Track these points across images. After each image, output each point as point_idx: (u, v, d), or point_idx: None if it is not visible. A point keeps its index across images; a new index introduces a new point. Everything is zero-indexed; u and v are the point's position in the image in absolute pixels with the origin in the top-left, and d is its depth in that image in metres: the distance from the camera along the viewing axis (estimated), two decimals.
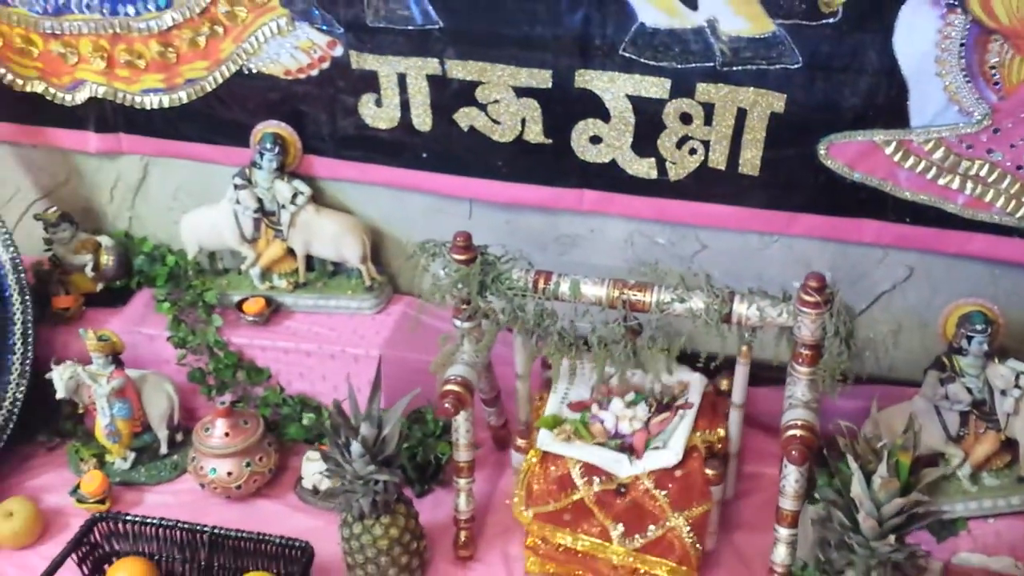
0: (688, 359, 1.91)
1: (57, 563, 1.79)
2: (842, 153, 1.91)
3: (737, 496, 2.00)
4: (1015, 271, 1.96)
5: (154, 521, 1.87)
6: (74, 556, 1.83)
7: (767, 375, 1.88)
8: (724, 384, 1.92)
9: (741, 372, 1.79)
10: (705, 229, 2.10)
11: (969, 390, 1.87)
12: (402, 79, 2.07)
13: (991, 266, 1.97)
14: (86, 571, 1.85)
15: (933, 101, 1.82)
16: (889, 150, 1.88)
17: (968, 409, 1.88)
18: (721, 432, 1.86)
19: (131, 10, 2.15)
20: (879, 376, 2.06)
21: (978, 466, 1.92)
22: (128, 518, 1.89)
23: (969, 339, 1.85)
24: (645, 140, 2.01)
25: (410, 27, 2.00)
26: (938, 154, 1.85)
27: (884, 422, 1.91)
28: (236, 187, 2.21)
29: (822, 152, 1.92)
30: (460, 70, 2.02)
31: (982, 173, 1.85)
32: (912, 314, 2.06)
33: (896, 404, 1.96)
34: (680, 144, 1.99)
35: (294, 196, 2.20)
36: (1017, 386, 1.83)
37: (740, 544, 1.93)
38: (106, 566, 1.86)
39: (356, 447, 1.73)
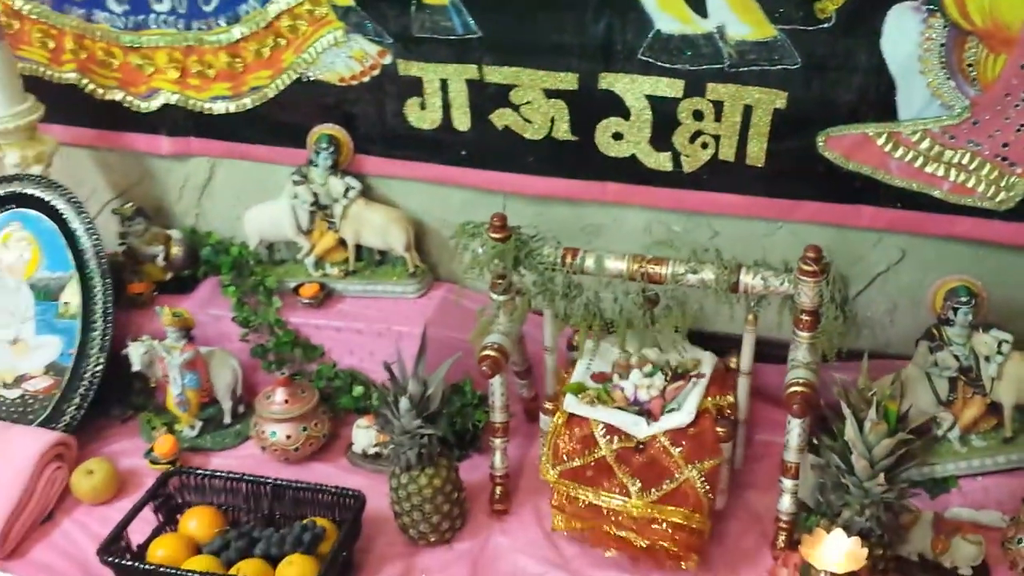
0: (701, 340, 2.14)
1: (136, 509, 2.00)
2: (838, 145, 2.10)
3: (748, 461, 2.19)
4: (997, 251, 2.13)
5: (222, 474, 2.09)
6: (150, 505, 2.03)
7: (776, 353, 2.05)
8: (732, 362, 2.09)
9: (748, 340, 1.99)
10: (717, 217, 2.28)
11: (956, 357, 2.04)
12: (444, 84, 2.29)
13: (975, 247, 2.14)
14: (160, 519, 2.05)
15: (918, 96, 2.00)
16: (880, 141, 2.07)
17: (956, 375, 2.05)
18: (730, 399, 2.04)
19: (203, 25, 2.39)
20: (877, 351, 2.25)
21: (967, 428, 2.08)
22: (198, 472, 2.11)
23: (955, 310, 2.03)
24: (661, 136, 2.20)
25: (452, 37, 2.22)
26: (924, 144, 2.05)
27: (877, 386, 2.09)
28: (294, 183, 2.44)
29: (820, 144, 2.11)
30: (496, 75, 2.24)
31: (964, 161, 2.04)
32: (906, 293, 2.24)
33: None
34: (693, 139, 2.19)
35: (346, 191, 2.44)
36: (999, 352, 2.01)
37: (751, 501, 2.11)
38: (178, 516, 2.07)
39: (404, 403, 1.95)
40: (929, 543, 1.91)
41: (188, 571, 1.84)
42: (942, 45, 1.94)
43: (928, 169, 2.08)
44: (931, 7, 1.91)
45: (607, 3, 2.08)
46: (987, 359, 2.02)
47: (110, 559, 1.87)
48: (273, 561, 1.90)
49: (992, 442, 2.09)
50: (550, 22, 2.14)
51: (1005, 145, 2.00)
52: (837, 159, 2.12)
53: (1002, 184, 2.04)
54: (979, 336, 2.03)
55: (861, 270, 2.26)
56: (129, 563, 1.88)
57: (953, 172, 2.06)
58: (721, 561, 1.98)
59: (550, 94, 2.23)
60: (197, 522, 2.03)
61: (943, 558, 1.90)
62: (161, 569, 1.86)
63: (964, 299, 2.02)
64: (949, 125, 2.02)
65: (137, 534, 1.99)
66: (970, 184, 2.06)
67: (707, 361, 2.10)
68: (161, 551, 1.94)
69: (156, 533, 2.02)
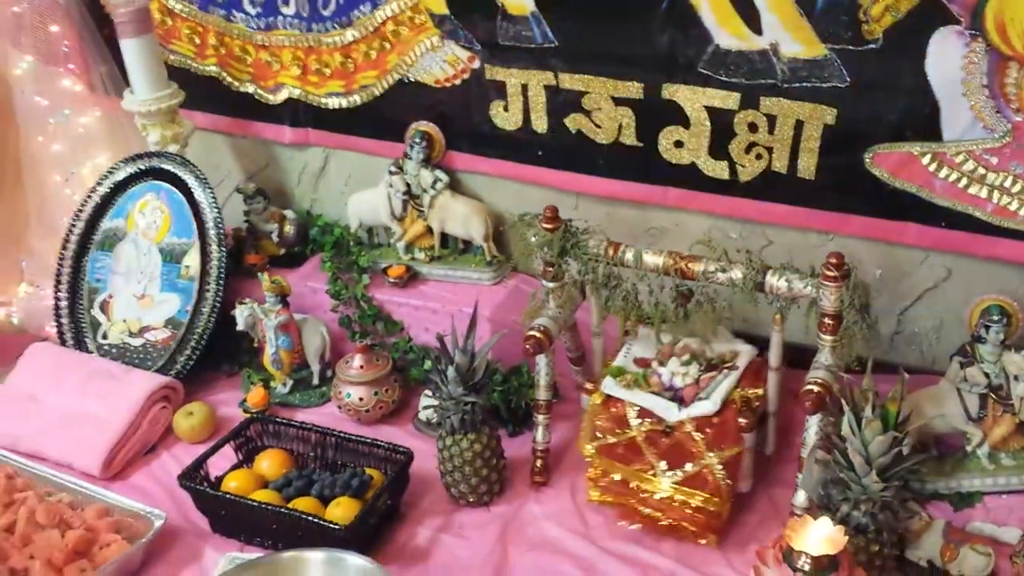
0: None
1: (217, 446, 2.27)
2: (885, 162, 2.18)
3: (780, 460, 2.28)
4: None
5: (295, 424, 2.34)
6: (232, 444, 2.30)
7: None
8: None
9: (776, 339, 2.09)
10: (771, 226, 2.39)
11: (986, 375, 2.07)
12: (524, 88, 2.49)
13: (1020, 270, 2.18)
14: (239, 458, 2.31)
15: (962, 118, 2.06)
16: (925, 160, 2.14)
17: (986, 392, 2.08)
18: (760, 391, 2.15)
19: (322, 28, 2.69)
20: (923, 368, 2.32)
21: (996, 446, 2.10)
22: (276, 420, 2.37)
23: (987, 328, 2.06)
24: (719, 145, 2.33)
25: (532, 45, 2.41)
26: (968, 165, 2.10)
27: (911, 399, 2.16)
28: (390, 173, 2.69)
29: (868, 160, 2.19)
30: (570, 82, 2.42)
31: (1006, 184, 2.08)
32: (952, 312, 2.28)
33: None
34: (748, 149, 2.31)
35: (434, 182, 2.67)
36: None
37: (775, 496, 2.18)
38: (255, 457, 2.35)
39: (451, 372, 2.15)
40: (939, 551, 1.96)
41: (250, 499, 2.11)
42: (984, 69, 2.00)
43: (971, 190, 2.13)
44: (973, 32, 1.98)
45: (671, 19, 2.23)
46: (1016, 378, 2.06)
47: (187, 484, 2.16)
48: (325, 501, 2.14)
49: (1021, 461, 2.10)
50: (619, 34, 2.31)
51: None
52: (884, 176, 2.19)
53: None
54: (1010, 355, 2.06)
55: (908, 287, 2.32)
56: (202, 488, 2.16)
57: (996, 194, 2.11)
58: (735, 543, 2.08)
59: (618, 101, 2.39)
60: (269, 462, 2.28)
61: (951, 566, 1.94)
62: (227, 496, 2.13)
63: (996, 318, 2.05)
64: (991, 148, 2.07)
65: (218, 468, 2.26)
66: (1012, 207, 2.10)
67: (745, 354, 2.21)
68: (233, 483, 2.20)
69: (233, 469, 2.29)
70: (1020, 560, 1.91)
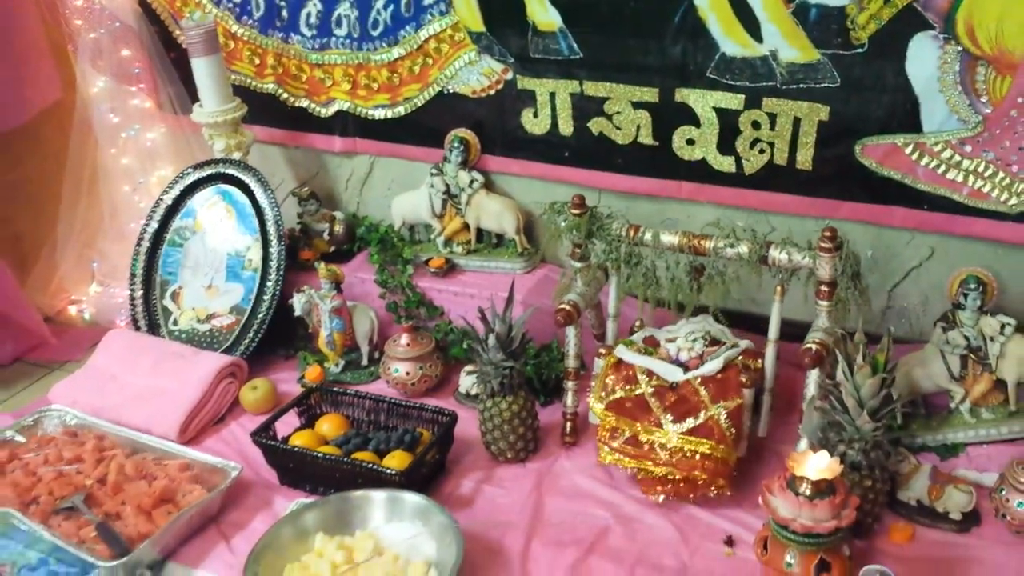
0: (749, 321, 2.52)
1: (284, 410, 2.55)
2: (873, 153, 2.45)
3: (784, 426, 2.48)
4: (1013, 250, 2.43)
5: (351, 392, 2.62)
6: (295, 410, 2.58)
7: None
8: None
9: (776, 309, 2.34)
10: (774, 214, 2.65)
11: (966, 337, 2.33)
12: (553, 96, 2.78)
13: (995, 246, 2.43)
14: (302, 422, 2.57)
15: (939, 112, 2.34)
16: (908, 150, 2.41)
17: (966, 353, 2.34)
18: (759, 363, 2.38)
19: (371, 47, 3.00)
20: (911, 339, 2.58)
21: (977, 402, 2.35)
22: (335, 389, 2.65)
23: (966, 296, 2.32)
24: (726, 142, 2.61)
25: (559, 57, 2.71)
26: (945, 153, 2.38)
27: (901, 361, 2.41)
28: (431, 175, 3.00)
29: (858, 152, 2.46)
30: (594, 89, 2.71)
31: (980, 169, 2.35)
32: (936, 287, 2.52)
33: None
34: (752, 145, 2.59)
35: (471, 182, 2.97)
36: (1002, 333, 2.31)
37: (784, 453, 2.43)
38: (316, 421, 2.62)
39: (492, 340, 2.42)
40: (926, 491, 2.21)
41: (315, 451, 2.38)
42: (957, 68, 2.28)
43: (949, 176, 2.40)
44: (947, 36, 2.26)
45: (682, 31, 2.53)
46: (991, 339, 2.31)
47: (259, 440, 2.44)
48: (381, 455, 2.41)
49: (999, 415, 2.35)
50: (637, 46, 2.61)
51: (1015, 155, 2.31)
52: (872, 165, 2.47)
53: (1013, 190, 2.34)
54: (985, 319, 2.31)
55: (897, 265, 2.58)
56: (273, 443, 2.44)
57: (971, 179, 2.38)
58: (747, 492, 2.30)
59: (636, 105, 2.68)
60: (329, 425, 2.55)
61: (937, 504, 2.18)
62: (295, 449, 2.40)
63: (973, 286, 2.31)
64: (965, 137, 2.34)
65: (283, 432, 2.53)
66: (985, 189, 2.37)
67: (745, 344, 2.45)
68: (298, 442, 2.47)
69: (297, 431, 2.57)
70: (998, 496, 2.16)
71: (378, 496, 2.21)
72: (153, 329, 3.01)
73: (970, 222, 2.43)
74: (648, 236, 2.39)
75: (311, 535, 2.15)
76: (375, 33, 2.97)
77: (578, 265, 2.52)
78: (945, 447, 2.38)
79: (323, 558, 2.08)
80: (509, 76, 2.84)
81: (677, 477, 2.29)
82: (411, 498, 2.20)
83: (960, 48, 2.26)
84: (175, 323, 3.02)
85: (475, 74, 2.89)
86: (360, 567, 2.06)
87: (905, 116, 2.39)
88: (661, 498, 2.29)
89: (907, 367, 2.41)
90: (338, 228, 3.19)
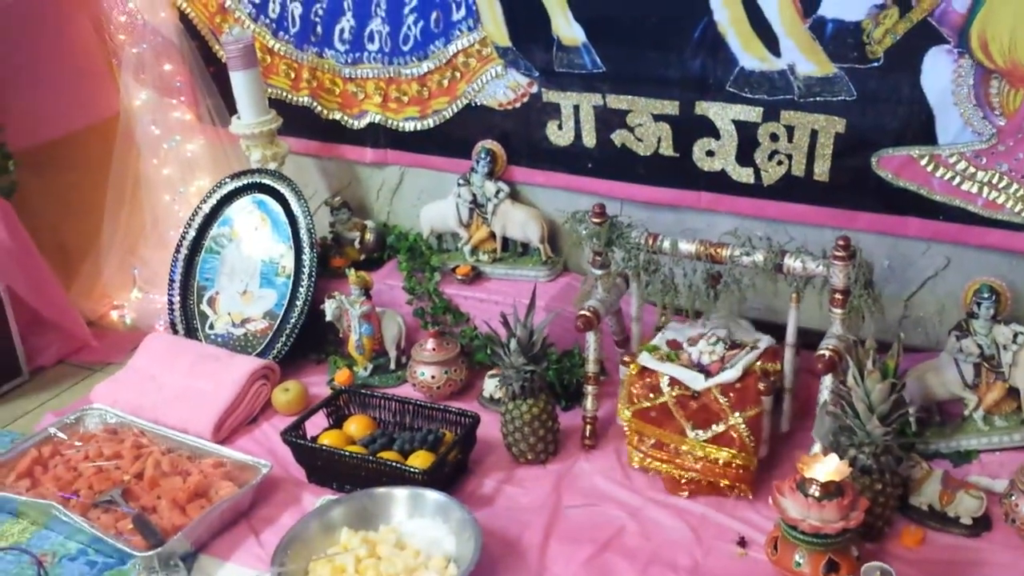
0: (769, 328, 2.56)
1: (313, 410, 2.64)
2: (889, 164, 2.50)
3: (803, 431, 2.53)
4: None
5: (378, 394, 2.71)
6: (324, 411, 2.67)
7: None
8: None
9: (792, 315, 2.40)
10: (792, 224, 2.69)
11: (979, 346, 2.36)
12: (577, 109, 2.86)
13: (1009, 256, 2.47)
14: (330, 422, 2.67)
15: (953, 124, 2.38)
16: (924, 162, 2.45)
17: (979, 361, 2.37)
18: (778, 366, 2.43)
19: (401, 61, 3.10)
20: (928, 348, 2.62)
21: (989, 410, 2.39)
22: (362, 391, 2.75)
23: (979, 305, 2.35)
24: (745, 153, 2.66)
25: (583, 71, 2.79)
26: (960, 165, 2.42)
27: (916, 369, 2.47)
28: (459, 185, 3.08)
29: (874, 163, 2.51)
30: (616, 102, 2.78)
31: (994, 180, 2.39)
32: (952, 297, 2.56)
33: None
34: (770, 157, 2.64)
35: (497, 192, 3.05)
36: (1015, 342, 2.34)
37: (797, 457, 2.49)
38: (343, 422, 2.70)
39: (513, 344, 2.50)
40: (938, 496, 2.24)
41: (342, 450, 2.47)
42: (971, 81, 2.32)
43: (964, 187, 2.44)
44: (961, 50, 2.31)
45: (702, 46, 2.59)
46: (1005, 348, 2.35)
47: (289, 438, 2.53)
48: (405, 454, 2.49)
49: (1012, 422, 2.38)
50: (657, 60, 2.67)
51: None
52: (888, 176, 2.51)
53: None
54: (999, 328, 2.35)
55: (913, 275, 2.62)
56: (302, 442, 2.53)
57: (985, 190, 2.42)
58: (761, 495, 2.34)
59: (657, 118, 2.75)
60: (356, 425, 2.64)
61: (948, 508, 2.22)
62: (323, 448, 2.49)
63: (986, 295, 2.35)
64: (980, 149, 2.39)
65: (312, 432, 2.63)
66: (1000, 201, 2.41)
67: (765, 341, 2.50)
68: (326, 441, 2.56)
69: (325, 431, 2.65)
70: (1008, 501, 2.20)
71: (401, 493, 2.30)
72: (191, 333, 3.12)
73: (985, 232, 2.46)
74: (666, 244, 2.45)
75: (337, 529, 2.24)
76: (406, 48, 3.07)
77: (598, 272, 2.58)
78: (958, 454, 2.42)
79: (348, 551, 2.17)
80: (534, 89, 2.92)
81: (701, 480, 2.38)
82: (432, 495, 2.28)
83: (974, 62, 2.31)
84: (211, 327, 3.12)
85: (502, 87, 2.97)
86: (382, 561, 2.14)
87: (920, 129, 2.43)
88: (686, 494, 2.38)
89: (922, 375, 2.46)
90: (369, 237, 3.28)
